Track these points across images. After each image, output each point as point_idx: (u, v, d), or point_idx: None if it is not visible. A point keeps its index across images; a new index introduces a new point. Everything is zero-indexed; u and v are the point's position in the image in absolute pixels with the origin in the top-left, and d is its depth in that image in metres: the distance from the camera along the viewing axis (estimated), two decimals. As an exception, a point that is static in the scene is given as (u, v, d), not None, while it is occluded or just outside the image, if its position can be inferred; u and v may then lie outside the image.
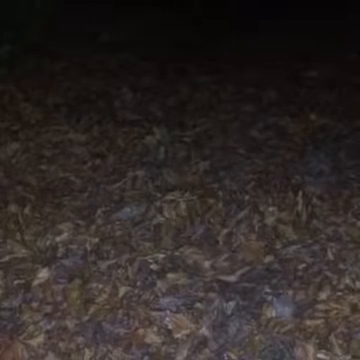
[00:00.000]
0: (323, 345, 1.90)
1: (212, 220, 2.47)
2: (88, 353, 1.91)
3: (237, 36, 4.30)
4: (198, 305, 2.05)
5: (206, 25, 4.52)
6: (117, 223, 2.47)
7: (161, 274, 2.19)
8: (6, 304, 2.09)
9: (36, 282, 2.17)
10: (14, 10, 4.27)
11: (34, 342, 1.95)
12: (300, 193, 2.58)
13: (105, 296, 2.11)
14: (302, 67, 3.89)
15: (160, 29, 4.50)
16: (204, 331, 1.97)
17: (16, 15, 4.33)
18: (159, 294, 2.11)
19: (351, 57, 4.03)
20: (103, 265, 2.24)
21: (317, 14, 4.54)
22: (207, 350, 1.92)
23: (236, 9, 4.75)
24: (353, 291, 2.10)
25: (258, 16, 4.58)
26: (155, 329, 1.98)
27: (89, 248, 2.33)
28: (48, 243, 2.36)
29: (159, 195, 2.61)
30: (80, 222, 2.47)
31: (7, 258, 2.29)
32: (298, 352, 1.88)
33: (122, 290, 2.13)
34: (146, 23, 4.60)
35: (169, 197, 2.57)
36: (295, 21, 4.50)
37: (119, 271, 2.21)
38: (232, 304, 2.05)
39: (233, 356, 1.88)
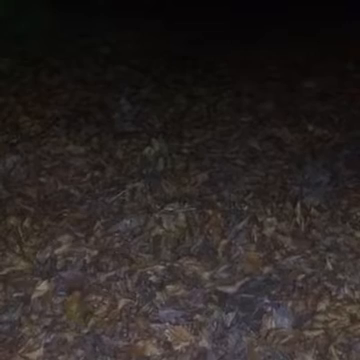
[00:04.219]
0: (323, 356, 1.90)
1: (211, 231, 2.47)
2: (88, 366, 1.91)
3: (235, 47, 4.33)
4: (197, 317, 2.05)
5: (204, 36, 4.54)
6: (116, 235, 2.47)
7: (160, 286, 2.19)
8: (5, 317, 2.09)
9: (35, 295, 2.17)
10: (13, 23, 4.30)
11: (33, 355, 1.94)
12: (298, 204, 2.59)
13: (104, 308, 2.11)
14: (299, 78, 3.91)
15: (158, 41, 4.53)
16: (204, 343, 1.97)
17: (15, 28, 4.36)
18: (158, 306, 2.11)
19: (348, 67, 4.05)
20: (102, 277, 2.24)
21: (315, 25, 4.57)
22: (207, 362, 1.92)
23: (235, 20, 4.78)
24: (352, 301, 2.10)
25: (257, 27, 4.61)
26: (155, 341, 1.97)
27: (88, 260, 2.33)
28: (47, 255, 2.36)
29: (158, 207, 2.61)
30: (79, 234, 2.47)
31: (6, 271, 2.29)
32: (298, 363, 1.88)
33: (121, 302, 2.12)
34: (144, 35, 4.63)
35: (168, 208, 2.58)
36: (293, 32, 4.53)
37: (118, 283, 2.21)
38: (231, 315, 2.05)
39: (233, 368, 1.88)
